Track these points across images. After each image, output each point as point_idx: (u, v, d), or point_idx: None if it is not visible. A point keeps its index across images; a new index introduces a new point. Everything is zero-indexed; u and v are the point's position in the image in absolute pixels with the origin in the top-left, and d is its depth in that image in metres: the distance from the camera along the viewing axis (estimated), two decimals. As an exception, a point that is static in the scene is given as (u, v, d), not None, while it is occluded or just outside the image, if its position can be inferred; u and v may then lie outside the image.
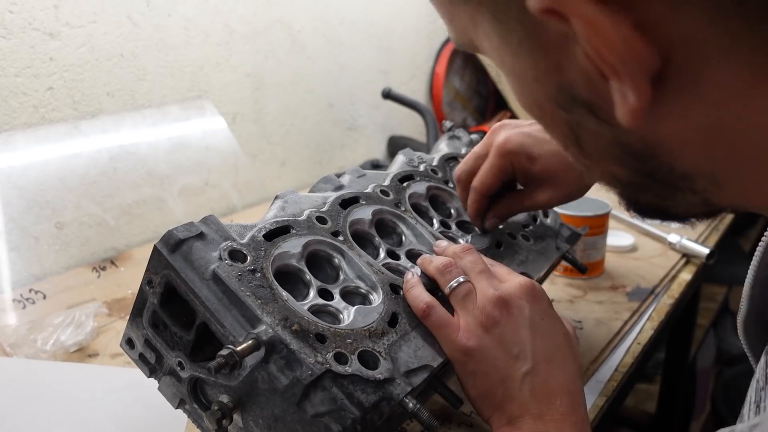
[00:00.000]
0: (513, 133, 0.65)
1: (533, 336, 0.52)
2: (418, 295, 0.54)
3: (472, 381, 0.52)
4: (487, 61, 1.68)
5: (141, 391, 0.65)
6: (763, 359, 0.40)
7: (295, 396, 0.45)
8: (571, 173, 0.63)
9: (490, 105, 1.87)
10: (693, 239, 1.05)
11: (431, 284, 0.57)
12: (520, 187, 0.69)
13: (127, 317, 0.55)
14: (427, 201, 0.70)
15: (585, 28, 0.28)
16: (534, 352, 0.51)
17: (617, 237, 1.08)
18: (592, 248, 0.95)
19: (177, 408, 0.55)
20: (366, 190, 0.66)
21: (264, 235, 0.54)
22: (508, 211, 0.68)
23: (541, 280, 0.81)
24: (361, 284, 0.56)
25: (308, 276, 0.54)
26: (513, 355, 0.51)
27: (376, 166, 1.32)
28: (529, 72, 0.34)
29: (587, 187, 0.66)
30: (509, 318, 0.52)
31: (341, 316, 0.52)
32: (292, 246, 0.55)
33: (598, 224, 0.94)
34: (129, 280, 0.96)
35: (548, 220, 0.77)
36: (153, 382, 0.56)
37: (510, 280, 0.55)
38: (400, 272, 0.59)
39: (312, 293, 0.53)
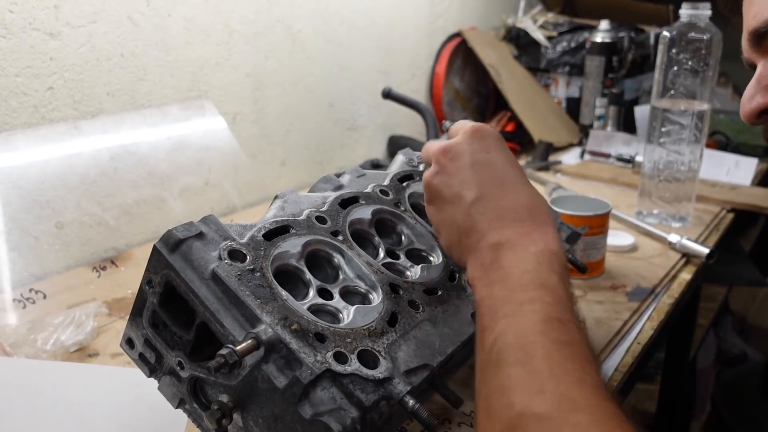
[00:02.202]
0: None
1: (476, 169, 0.54)
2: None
3: (443, 235, 0.55)
4: (488, 61, 1.68)
5: (141, 391, 0.65)
6: None
7: (295, 395, 0.45)
8: None
9: (489, 105, 1.87)
10: (693, 239, 1.05)
11: (433, 282, 0.57)
12: None
13: (127, 317, 0.55)
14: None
15: None
16: (480, 181, 0.53)
17: (617, 237, 1.08)
18: (592, 248, 0.95)
19: (177, 408, 0.55)
20: (366, 190, 0.66)
21: (263, 235, 0.54)
22: None
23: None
24: (361, 284, 0.56)
25: (308, 275, 0.54)
26: (457, 191, 0.53)
27: (376, 165, 1.32)
28: None
29: None
30: (450, 162, 0.55)
31: (341, 315, 0.52)
32: (292, 245, 0.55)
33: (598, 224, 0.94)
34: (129, 279, 0.96)
35: (548, 220, 0.77)
36: (153, 382, 0.56)
37: (459, 132, 0.58)
38: (400, 272, 0.60)
39: (311, 293, 0.53)
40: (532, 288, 0.46)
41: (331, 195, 0.63)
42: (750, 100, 0.55)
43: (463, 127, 0.58)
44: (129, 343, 0.56)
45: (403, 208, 0.66)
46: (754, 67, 0.57)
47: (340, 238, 0.58)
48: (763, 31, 0.53)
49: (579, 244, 0.93)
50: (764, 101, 0.55)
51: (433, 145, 0.58)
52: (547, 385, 0.40)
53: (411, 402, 0.48)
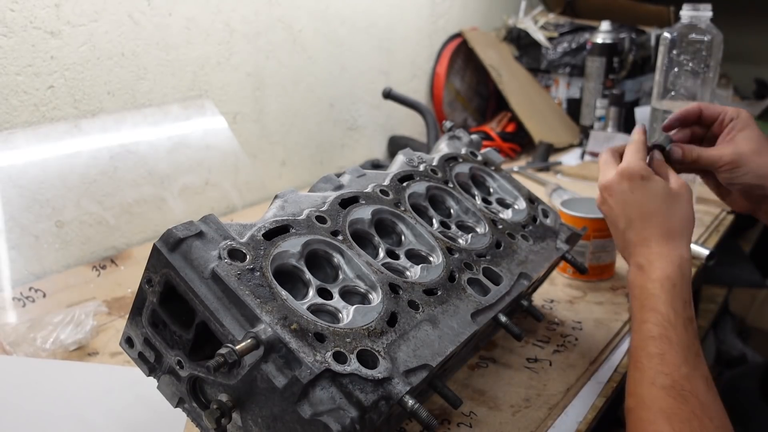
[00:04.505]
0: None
1: (624, 206, 0.68)
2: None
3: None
4: (488, 62, 1.68)
5: (140, 390, 0.65)
6: None
7: (294, 395, 0.45)
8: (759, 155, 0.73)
9: (490, 105, 1.87)
10: (693, 240, 1.05)
11: (433, 283, 0.57)
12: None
13: (127, 316, 0.55)
14: (426, 201, 0.70)
15: None
16: (627, 215, 0.67)
17: (617, 238, 1.08)
18: (602, 251, 0.95)
19: (176, 407, 0.55)
20: (366, 190, 0.66)
21: (263, 235, 0.54)
22: (690, 151, 0.76)
23: (540, 280, 0.82)
24: (361, 284, 0.56)
25: (307, 275, 0.54)
26: (613, 220, 0.69)
27: (376, 166, 1.32)
28: None
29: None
30: (609, 197, 0.69)
31: (340, 315, 0.52)
32: (292, 245, 0.55)
33: (606, 226, 0.94)
34: (129, 278, 0.96)
35: (548, 221, 0.77)
36: (152, 381, 0.56)
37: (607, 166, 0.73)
38: (400, 272, 0.60)
39: (311, 292, 0.53)
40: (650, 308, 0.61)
41: (331, 195, 0.63)
42: None
43: (607, 163, 0.73)
44: (128, 342, 0.56)
45: (403, 208, 0.66)
46: None
47: (340, 237, 0.58)
48: None
49: (589, 246, 0.93)
50: None
51: (602, 178, 0.71)
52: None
53: (410, 402, 0.48)
